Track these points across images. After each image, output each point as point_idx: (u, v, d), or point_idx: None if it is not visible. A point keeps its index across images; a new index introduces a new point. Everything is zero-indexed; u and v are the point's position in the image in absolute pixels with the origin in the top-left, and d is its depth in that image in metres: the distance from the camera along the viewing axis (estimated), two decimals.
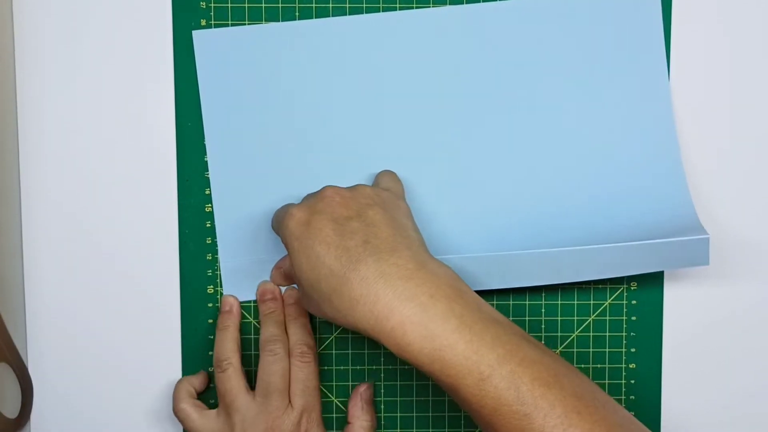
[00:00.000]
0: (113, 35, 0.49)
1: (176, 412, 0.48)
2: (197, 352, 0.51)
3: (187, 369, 0.51)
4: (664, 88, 0.49)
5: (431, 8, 0.49)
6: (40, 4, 0.49)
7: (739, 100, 0.50)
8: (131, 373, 0.51)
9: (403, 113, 0.49)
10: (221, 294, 0.50)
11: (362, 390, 0.50)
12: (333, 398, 0.51)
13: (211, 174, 0.50)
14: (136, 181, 0.50)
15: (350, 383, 0.51)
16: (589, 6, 0.48)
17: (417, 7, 0.49)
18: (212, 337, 0.51)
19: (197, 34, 0.49)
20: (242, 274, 0.50)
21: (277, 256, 0.50)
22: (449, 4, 0.49)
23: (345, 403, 0.51)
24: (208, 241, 0.50)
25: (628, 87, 0.49)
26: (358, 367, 0.51)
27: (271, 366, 0.47)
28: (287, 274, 0.50)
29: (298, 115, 0.49)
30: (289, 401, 0.47)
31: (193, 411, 0.48)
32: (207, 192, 0.50)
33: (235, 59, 0.49)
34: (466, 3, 0.49)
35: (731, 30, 0.50)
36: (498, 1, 0.49)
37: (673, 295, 0.51)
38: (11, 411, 0.50)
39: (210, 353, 0.51)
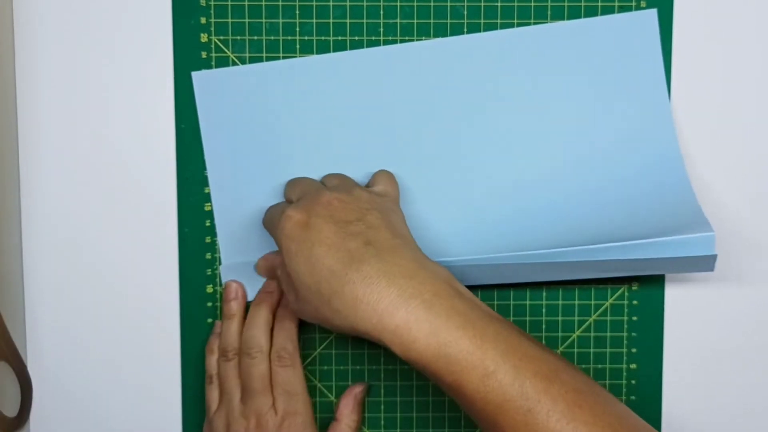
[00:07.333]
0: (113, 35, 0.49)
1: None
2: (197, 352, 0.51)
3: (187, 369, 0.51)
4: (664, 104, 0.49)
5: (430, 41, 0.49)
6: (41, 4, 0.49)
7: (741, 104, 0.50)
8: (130, 372, 0.51)
9: (402, 144, 0.49)
10: (221, 294, 0.50)
11: (357, 391, 0.50)
12: (333, 398, 0.51)
13: (213, 195, 0.50)
14: (135, 180, 0.50)
15: (350, 383, 0.51)
16: (587, 30, 0.48)
17: (417, 39, 0.49)
18: None
19: (196, 75, 0.49)
20: (242, 274, 0.50)
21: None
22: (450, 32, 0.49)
23: None
24: (207, 241, 0.50)
25: (629, 104, 0.49)
26: (358, 367, 0.51)
27: (249, 369, 0.47)
28: (270, 268, 0.49)
29: (296, 145, 0.49)
30: (273, 405, 0.47)
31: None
32: (206, 191, 0.50)
33: (235, 97, 0.49)
34: (468, 33, 0.49)
35: (732, 39, 0.50)
36: (496, 31, 0.49)
37: (674, 296, 0.51)
38: (11, 410, 0.49)
39: None
